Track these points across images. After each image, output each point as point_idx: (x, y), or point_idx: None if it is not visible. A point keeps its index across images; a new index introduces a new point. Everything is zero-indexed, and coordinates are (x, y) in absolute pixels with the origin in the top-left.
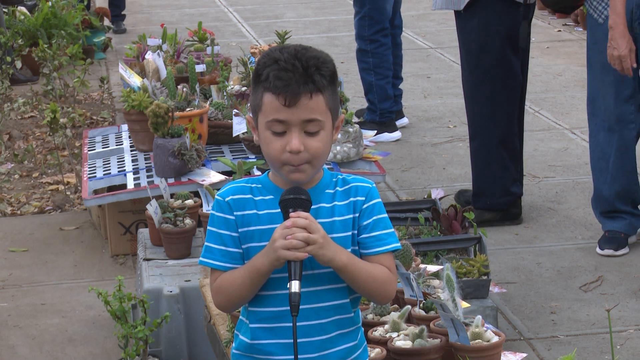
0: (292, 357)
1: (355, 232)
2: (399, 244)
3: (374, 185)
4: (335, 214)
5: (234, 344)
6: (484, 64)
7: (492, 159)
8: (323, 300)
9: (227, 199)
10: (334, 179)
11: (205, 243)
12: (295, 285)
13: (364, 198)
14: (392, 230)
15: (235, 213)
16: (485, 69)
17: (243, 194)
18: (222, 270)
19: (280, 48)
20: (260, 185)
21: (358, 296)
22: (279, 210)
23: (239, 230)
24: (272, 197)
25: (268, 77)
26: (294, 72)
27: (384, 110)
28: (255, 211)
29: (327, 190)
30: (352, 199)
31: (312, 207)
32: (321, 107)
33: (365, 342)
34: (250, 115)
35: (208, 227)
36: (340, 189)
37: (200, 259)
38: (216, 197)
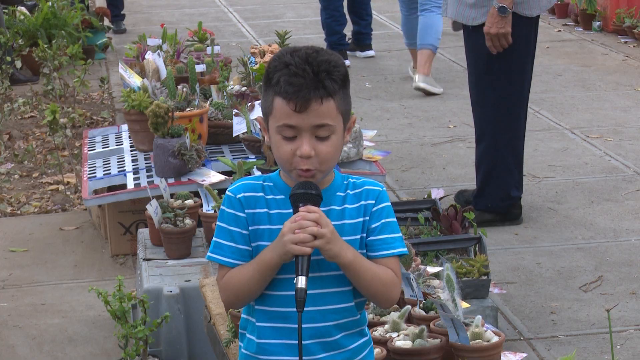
0: (298, 358)
1: (364, 235)
2: (405, 249)
3: (384, 188)
4: (346, 216)
5: (242, 344)
6: (492, 70)
7: (498, 163)
8: (329, 302)
9: (238, 195)
10: (344, 182)
11: (214, 239)
12: (301, 281)
13: (374, 201)
14: (400, 235)
15: (246, 211)
16: (493, 75)
17: (255, 191)
18: (231, 266)
19: (291, 51)
20: (272, 184)
21: (363, 300)
22: (290, 210)
23: (249, 228)
24: (283, 196)
25: (279, 81)
26: (304, 77)
27: (332, 42)
28: (266, 210)
29: (338, 193)
30: (362, 202)
31: (323, 209)
32: (332, 111)
33: (372, 344)
34: (261, 116)
35: (218, 223)
36: (351, 192)
37: (209, 254)
38: (227, 192)
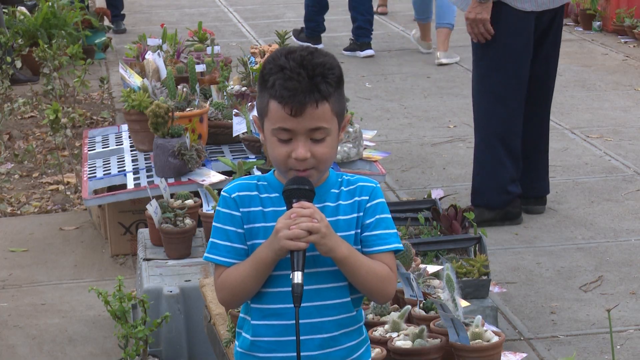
0: (293, 354)
1: (359, 231)
2: (400, 245)
3: (378, 185)
4: (340, 213)
5: (237, 342)
6: (489, 57)
7: (490, 154)
8: (324, 298)
9: (233, 195)
10: (339, 179)
11: (211, 239)
12: (297, 277)
13: (367, 197)
14: (395, 231)
15: (241, 209)
16: (490, 62)
17: (249, 190)
18: (227, 266)
19: (286, 53)
20: (266, 183)
21: (360, 296)
22: (285, 208)
23: (245, 226)
24: (277, 195)
25: (274, 85)
26: (299, 81)
27: (310, 27)
28: (260, 208)
29: (332, 190)
30: (356, 198)
31: (318, 205)
32: (327, 114)
33: (369, 342)
34: (256, 115)
35: (214, 223)
36: (345, 189)
37: (205, 254)
38: (222, 193)
